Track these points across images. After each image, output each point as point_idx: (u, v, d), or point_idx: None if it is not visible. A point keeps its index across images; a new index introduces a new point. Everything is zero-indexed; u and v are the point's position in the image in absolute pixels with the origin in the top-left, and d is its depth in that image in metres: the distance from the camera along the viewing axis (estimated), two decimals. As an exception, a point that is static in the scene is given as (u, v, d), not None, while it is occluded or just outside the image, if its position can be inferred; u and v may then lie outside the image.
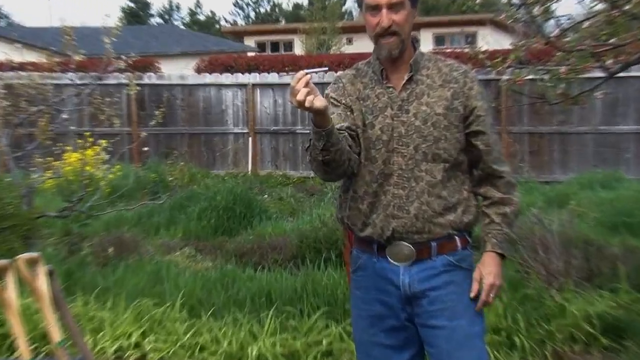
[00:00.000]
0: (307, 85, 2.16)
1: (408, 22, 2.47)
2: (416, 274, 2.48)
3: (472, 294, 2.49)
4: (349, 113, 2.53)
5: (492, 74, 9.37)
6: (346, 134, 2.45)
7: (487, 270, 2.50)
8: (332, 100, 2.58)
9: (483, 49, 6.80)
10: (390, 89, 2.52)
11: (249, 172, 12.86)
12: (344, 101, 2.56)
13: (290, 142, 13.16)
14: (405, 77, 2.51)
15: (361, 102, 2.55)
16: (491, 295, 2.49)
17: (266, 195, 10.35)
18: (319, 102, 2.18)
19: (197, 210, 8.14)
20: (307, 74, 2.17)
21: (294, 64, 16.31)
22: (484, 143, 2.52)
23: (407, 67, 2.52)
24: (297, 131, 13.06)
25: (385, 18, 2.42)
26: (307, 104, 2.16)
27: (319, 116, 2.22)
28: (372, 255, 2.55)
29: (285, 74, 13.68)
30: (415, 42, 2.58)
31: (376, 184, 2.49)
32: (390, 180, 2.48)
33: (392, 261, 2.50)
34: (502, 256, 2.54)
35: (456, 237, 2.51)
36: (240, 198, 8.25)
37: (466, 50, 9.08)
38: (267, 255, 6.50)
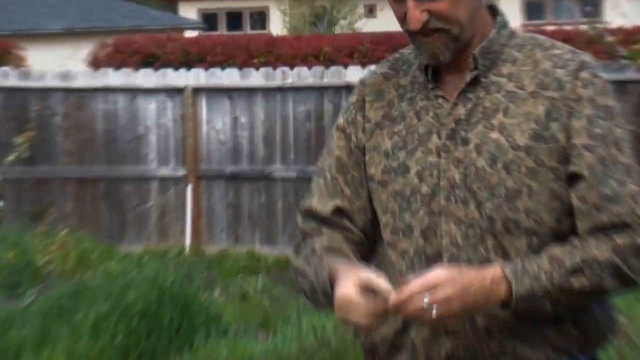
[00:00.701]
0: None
1: (462, 2, 2.43)
2: None
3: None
4: (357, 170, 2.60)
5: (629, 70, 9.48)
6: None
7: (456, 270, 2.36)
8: (337, 134, 2.64)
9: (612, 25, 6.88)
10: (440, 100, 2.51)
11: (187, 249, 12.89)
12: (354, 138, 2.61)
13: (261, 195, 13.11)
14: (468, 79, 2.49)
15: (386, 129, 2.57)
16: (423, 296, 2.29)
17: (218, 291, 10.35)
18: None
19: (92, 318, 8.12)
20: None
21: (270, 52, 16.44)
22: (580, 198, 2.42)
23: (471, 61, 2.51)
24: (275, 174, 13.00)
25: (413, 15, 2.40)
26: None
27: None
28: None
29: (254, 70, 13.69)
30: (495, 13, 2.57)
31: (413, 274, 2.47)
32: (437, 265, 2.45)
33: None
34: (509, 292, 2.34)
35: (565, 366, 2.52)
36: (171, 296, 8.28)
37: (583, 27, 9.17)
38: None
